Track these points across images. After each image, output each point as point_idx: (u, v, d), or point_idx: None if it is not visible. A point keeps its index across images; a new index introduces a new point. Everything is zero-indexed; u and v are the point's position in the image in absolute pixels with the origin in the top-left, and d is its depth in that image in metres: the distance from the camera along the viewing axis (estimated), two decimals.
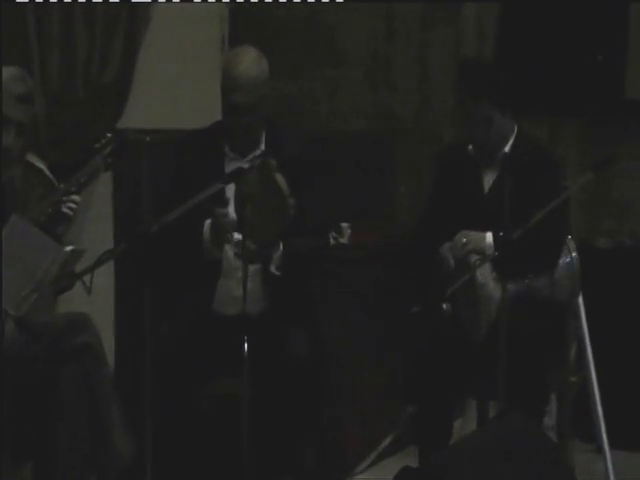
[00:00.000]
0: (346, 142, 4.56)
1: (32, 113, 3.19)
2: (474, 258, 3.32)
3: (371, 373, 4.11)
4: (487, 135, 3.46)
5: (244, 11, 4.66)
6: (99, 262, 2.89)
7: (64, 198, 3.15)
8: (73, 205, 3.17)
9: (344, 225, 4.07)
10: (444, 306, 3.35)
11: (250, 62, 3.33)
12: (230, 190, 3.23)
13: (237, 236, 3.27)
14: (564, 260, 3.51)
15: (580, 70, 4.48)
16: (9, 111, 3.10)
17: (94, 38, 3.83)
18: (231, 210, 3.28)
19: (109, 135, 3.17)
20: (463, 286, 3.19)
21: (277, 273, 3.34)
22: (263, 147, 3.38)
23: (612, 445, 3.79)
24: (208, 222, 3.31)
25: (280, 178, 3.20)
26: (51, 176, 3.28)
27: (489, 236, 3.39)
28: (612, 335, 4.19)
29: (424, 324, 3.45)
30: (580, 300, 3.76)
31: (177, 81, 4.05)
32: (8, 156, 3.14)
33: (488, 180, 3.52)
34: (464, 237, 3.39)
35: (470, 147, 3.54)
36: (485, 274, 3.34)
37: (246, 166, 3.09)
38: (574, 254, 3.52)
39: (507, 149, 3.51)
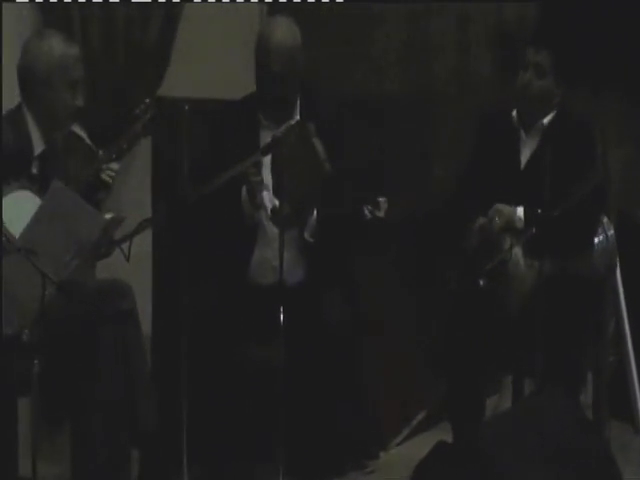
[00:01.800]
0: (384, 110, 4.51)
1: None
2: (508, 240, 3.30)
3: (407, 346, 4.09)
4: (535, 85, 3.41)
5: None
6: (138, 230, 2.91)
7: (104, 166, 3.17)
8: (112, 173, 3.20)
9: (381, 199, 4.05)
10: (480, 282, 3.33)
11: (283, 32, 3.36)
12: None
13: (273, 201, 3.27)
14: (600, 238, 3.48)
15: (624, 46, 4.43)
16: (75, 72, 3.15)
17: (134, 6, 3.82)
18: (266, 175, 3.28)
19: (147, 101, 3.18)
20: (498, 266, 3.17)
21: (311, 240, 3.34)
22: (298, 116, 3.39)
23: None
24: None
25: (317, 142, 3.21)
26: (91, 144, 3.29)
27: (520, 210, 3.37)
28: None
29: (460, 299, 3.43)
30: (618, 277, 3.73)
31: (217, 50, 4.04)
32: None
33: (526, 153, 3.50)
34: (496, 213, 3.37)
35: (514, 113, 3.50)
36: (517, 256, 3.31)
37: (279, 135, 3.10)
38: (610, 232, 3.49)
39: (547, 121, 3.47)
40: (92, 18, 3.78)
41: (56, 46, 3.14)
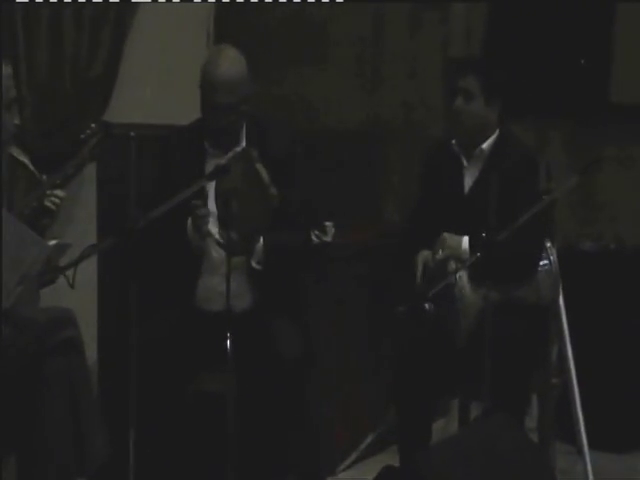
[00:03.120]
0: (334, 141, 4.56)
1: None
2: (453, 264, 3.34)
3: (356, 372, 4.11)
4: (465, 110, 3.46)
5: (231, 8, 4.66)
6: (83, 256, 2.88)
7: (47, 192, 3.14)
8: (56, 200, 3.16)
9: (328, 224, 4.08)
10: (427, 306, 3.35)
11: (229, 63, 3.34)
12: (210, 183, 3.24)
13: (218, 229, 3.28)
14: (544, 264, 3.52)
15: (567, 73, 4.50)
16: (10, 92, 3.11)
17: (81, 33, 3.82)
18: (211, 202, 3.29)
19: (94, 125, 3.16)
20: (444, 290, 3.20)
21: (258, 267, 3.34)
22: (244, 144, 3.40)
23: (592, 446, 3.81)
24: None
25: (261, 168, 3.22)
26: (34, 169, 3.26)
27: (466, 241, 3.40)
28: (594, 337, 4.21)
29: (407, 324, 3.45)
30: (561, 303, 3.78)
31: (162, 76, 4.04)
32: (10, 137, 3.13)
33: (469, 179, 3.53)
34: (442, 243, 3.41)
35: (454, 142, 3.55)
36: (463, 282, 3.34)
37: (223, 162, 3.11)
38: (552, 257, 3.53)
39: (486, 146, 3.51)
40: (38, 44, 3.77)
41: None
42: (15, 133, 3.13)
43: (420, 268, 3.45)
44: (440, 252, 3.40)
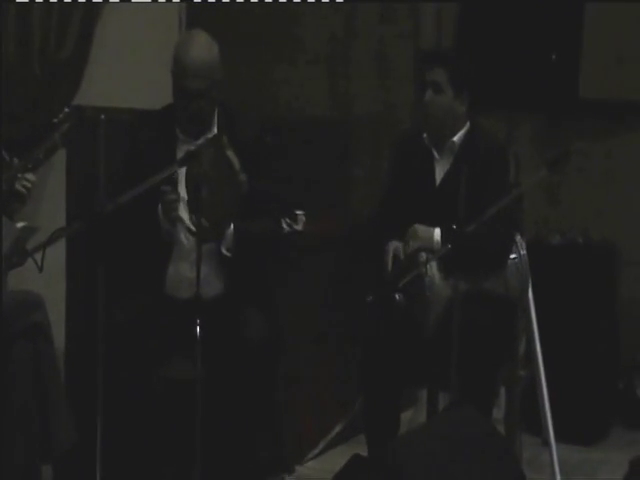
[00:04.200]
0: (304, 130, 4.55)
1: None
2: (423, 255, 3.34)
3: (325, 360, 4.11)
4: (434, 102, 3.46)
5: None
6: (51, 239, 2.85)
7: (19, 175, 3.10)
8: (27, 184, 3.12)
9: (299, 213, 4.08)
10: (397, 297, 3.36)
11: (201, 48, 3.33)
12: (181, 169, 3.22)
13: (188, 215, 3.26)
14: (513, 258, 3.54)
15: (536, 68, 4.52)
16: None
17: (51, 14, 3.77)
18: (181, 188, 3.27)
19: (67, 110, 3.12)
20: (414, 281, 3.20)
21: (227, 254, 3.33)
22: (215, 130, 3.39)
23: (558, 438, 3.83)
24: None
25: (232, 154, 3.21)
26: (4, 153, 3.21)
27: (437, 233, 3.41)
28: (562, 330, 4.23)
29: (377, 313, 3.45)
30: (530, 296, 3.80)
31: (134, 61, 4.01)
32: None
33: (440, 172, 3.54)
34: (413, 234, 3.41)
35: (425, 135, 3.55)
36: (433, 272, 3.35)
37: (194, 148, 3.09)
38: (523, 252, 3.55)
39: (457, 138, 3.52)
40: (6, 24, 3.71)
41: None
42: None
43: (390, 257, 3.45)
44: (411, 243, 3.40)
